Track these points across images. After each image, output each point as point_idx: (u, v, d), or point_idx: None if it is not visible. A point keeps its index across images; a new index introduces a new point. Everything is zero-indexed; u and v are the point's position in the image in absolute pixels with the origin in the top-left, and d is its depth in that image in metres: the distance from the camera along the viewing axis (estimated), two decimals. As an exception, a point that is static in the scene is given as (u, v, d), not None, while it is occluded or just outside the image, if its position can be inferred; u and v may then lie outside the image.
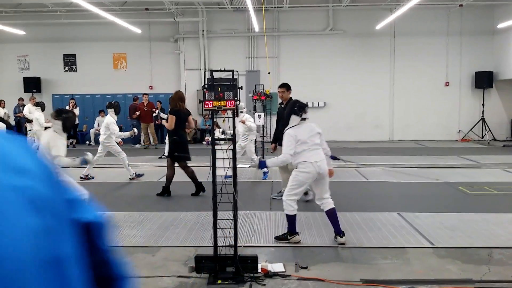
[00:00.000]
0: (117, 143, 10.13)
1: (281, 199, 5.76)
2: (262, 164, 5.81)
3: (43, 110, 12.75)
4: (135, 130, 8.86)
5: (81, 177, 10.02)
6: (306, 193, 7.84)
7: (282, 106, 7.79)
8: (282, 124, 7.70)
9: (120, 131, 10.52)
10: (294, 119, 5.67)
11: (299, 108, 5.68)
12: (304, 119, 5.68)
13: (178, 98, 8.46)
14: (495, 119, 17.99)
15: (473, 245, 5.57)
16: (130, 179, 10.11)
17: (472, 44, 17.99)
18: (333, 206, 5.62)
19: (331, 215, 5.62)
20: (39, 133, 12.01)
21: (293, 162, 5.65)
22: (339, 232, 5.61)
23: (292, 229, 5.67)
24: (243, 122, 9.83)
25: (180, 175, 10.72)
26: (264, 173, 10.08)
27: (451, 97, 18.22)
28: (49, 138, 5.83)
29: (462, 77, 18.22)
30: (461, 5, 17.18)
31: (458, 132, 18.33)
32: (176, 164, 8.47)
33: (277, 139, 7.80)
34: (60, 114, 5.85)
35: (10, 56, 19.32)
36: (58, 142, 5.78)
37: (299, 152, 5.55)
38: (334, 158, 6.03)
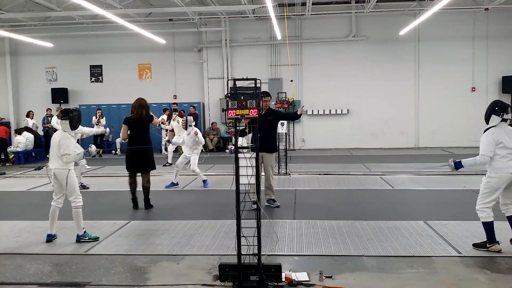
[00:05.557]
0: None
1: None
2: (457, 165, 5.72)
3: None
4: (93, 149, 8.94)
5: None
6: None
7: (262, 113, 7.64)
8: (267, 131, 7.63)
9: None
10: (494, 119, 5.50)
11: (500, 108, 5.47)
12: (505, 120, 5.46)
13: (138, 105, 8.17)
14: (524, 124, 17.57)
15: (502, 254, 5.43)
16: None
17: (498, 48, 17.67)
18: None
19: None
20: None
21: (488, 165, 5.52)
22: None
23: (491, 237, 5.47)
24: (196, 134, 9.98)
25: (208, 182, 10.70)
26: (204, 181, 10.21)
27: (477, 103, 17.74)
28: (61, 137, 6.16)
29: (489, 82, 17.90)
30: (486, 9, 16.89)
31: (485, 138, 17.91)
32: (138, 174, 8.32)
33: (267, 148, 7.74)
34: (67, 114, 6.18)
35: (38, 68, 19.92)
36: (67, 141, 6.13)
37: (499, 156, 5.42)
38: None
